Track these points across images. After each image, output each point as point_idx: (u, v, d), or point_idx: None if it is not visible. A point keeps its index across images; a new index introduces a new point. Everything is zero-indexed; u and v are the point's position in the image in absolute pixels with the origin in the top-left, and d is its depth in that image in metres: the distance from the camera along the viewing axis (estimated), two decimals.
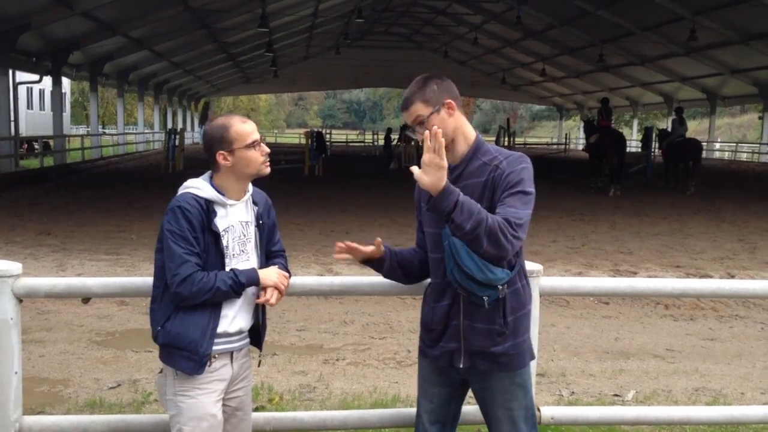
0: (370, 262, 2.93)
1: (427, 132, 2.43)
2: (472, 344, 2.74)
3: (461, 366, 2.77)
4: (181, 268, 2.68)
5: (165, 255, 2.74)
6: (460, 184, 2.62)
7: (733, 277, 8.95)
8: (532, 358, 2.87)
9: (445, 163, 2.43)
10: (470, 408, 3.24)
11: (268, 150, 2.86)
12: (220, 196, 2.81)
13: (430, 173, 2.42)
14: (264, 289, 2.85)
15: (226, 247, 2.81)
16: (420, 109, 2.67)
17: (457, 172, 2.70)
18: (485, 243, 2.48)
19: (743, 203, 17.22)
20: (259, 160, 2.83)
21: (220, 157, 2.81)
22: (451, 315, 2.77)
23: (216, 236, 2.78)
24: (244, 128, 2.83)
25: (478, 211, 2.47)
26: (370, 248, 2.87)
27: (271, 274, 2.87)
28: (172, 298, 2.75)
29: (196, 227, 2.73)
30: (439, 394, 2.91)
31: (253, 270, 2.84)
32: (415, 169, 2.47)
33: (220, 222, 2.80)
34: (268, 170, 2.89)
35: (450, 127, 2.69)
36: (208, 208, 2.77)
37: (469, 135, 2.76)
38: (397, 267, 2.96)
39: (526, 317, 2.81)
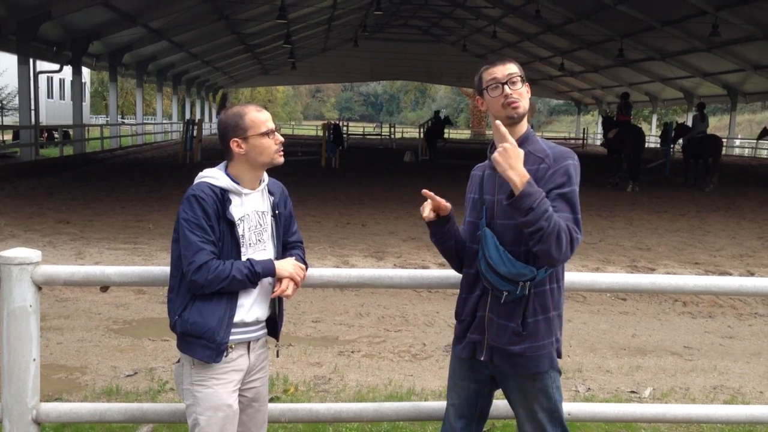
0: (437, 221, 2.87)
1: (499, 123, 2.58)
2: (492, 339, 2.74)
3: (482, 359, 2.77)
4: (196, 256, 2.69)
5: (181, 244, 2.75)
6: None
7: (752, 274, 8.85)
8: (553, 366, 2.76)
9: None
10: (499, 402, 3.22)
11: (282, 139, 2.86)
12: (235, 185, 2.82)
13: (515, 164, 2.50)
14: (280, 280, 2.85)
15: (242, 236, 2.81)
16: (515, 68, 2.73)
17: None
18: (550, 245, 2.49)
19: (763, 200, 17.03)
20: (272, 148, 2.83)
21: (234, 145, 2.81)
22: (478, 306, 2.78)
23: (231, 225, 2.78)
24: (259, 116, 2.83)
25: (551, 212, 2.50)
26: (445, 203, 2.82)
27: (287, 266, 2.87)
28: (189, 287, 2.76)
29: (211, 216, 2.74)
30: (467, 389, 2.89)
31: (270, 261, 2.84)
32: (501, 157, 2.51)
33: (236, 211, 2.80)
34: (281, 160, 2.88)
35: (526, 105, 2.74)
36: (223, 197, 2.78)
37: (525, 123, 2.78)
38: (454, 233, 2.89)
39: (549, 321, 2.72)
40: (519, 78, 2.70)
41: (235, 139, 2.81)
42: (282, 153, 2.88)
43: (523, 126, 2.77)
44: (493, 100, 2.71)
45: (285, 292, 2.85)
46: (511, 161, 2.49)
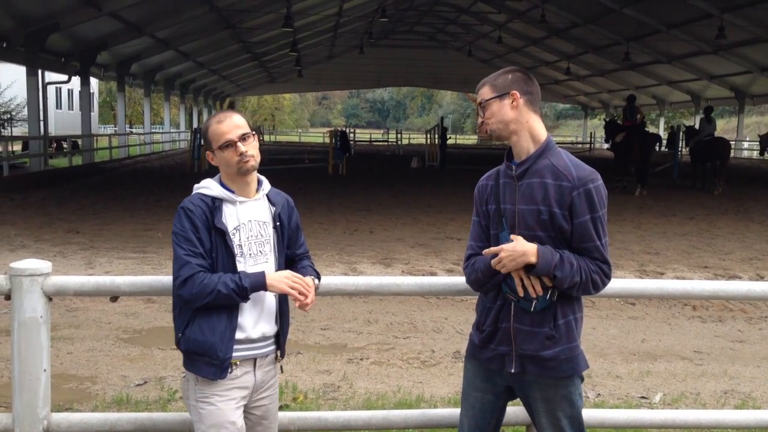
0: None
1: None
2: (522, 348, 2.68)
3: (513, 371, 2.71)
4: (182, 270, 2.65)
5: (172, 258, 2.73)
6: (524, 181, 2.65)
7: (762, 278, 8.81)
8: (586, 367, 2.77)
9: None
10: (514, 409, 3.21)
11: (243, 150, 2.75)
12: (229, 194, 2.79)
13: (522, 261, 2.58)
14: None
15: (239, 246, 2.76)
16: (485, 93, 2.74)
17: (523, 168, 2.66)
18: (589, 290, 2.68)
19: None
20: (233, 160, 2.76)
21: (209, 156, 2.85)
22: (501, 318, 2.72)
23: (222, 234, 2.73)
24: (217, 129, 2.78)
25: (576, 264, 2.60)
26: None
27: (279, 279, 2.75)
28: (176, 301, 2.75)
29: (199, 227, 2.70)
30: (482, 400, 2.85)
31: (261, 273, 2.73)
32: (516, 244, 2.59)
33: (229, 220, 2.76)
34: (247, 167, 2.77)
35: (508, 117, 2.68)
36: (213, 206, 2.75)
37: (538, 134, 2.70)
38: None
39: (577, 321, 2.75)
40: (481, 104, 2.73)
41: (208, 151, 2.83)
42: (247, 161, 2.75)
43: (534, 139, 2.69)
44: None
45: (305, 307, 2.79)
46: (518, 261, 2.58)
